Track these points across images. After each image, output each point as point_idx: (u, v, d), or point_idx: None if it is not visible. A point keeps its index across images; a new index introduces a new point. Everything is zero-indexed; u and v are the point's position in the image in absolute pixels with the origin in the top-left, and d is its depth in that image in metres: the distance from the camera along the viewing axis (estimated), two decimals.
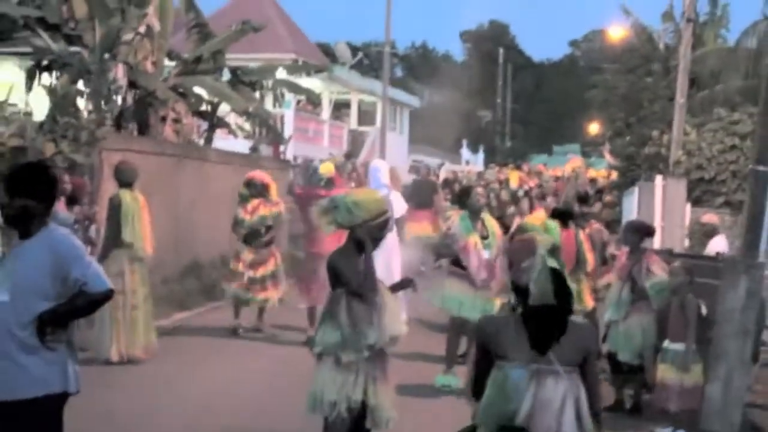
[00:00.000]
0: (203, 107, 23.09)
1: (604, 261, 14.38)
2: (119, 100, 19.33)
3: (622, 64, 32.62)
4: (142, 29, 19.47)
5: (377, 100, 43.85)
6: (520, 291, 5.32)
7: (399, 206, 15.78)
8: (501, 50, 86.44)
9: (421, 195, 20.94)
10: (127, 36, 19.38)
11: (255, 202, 14.95)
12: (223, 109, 23.77)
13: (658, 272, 11.46)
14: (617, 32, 36.30)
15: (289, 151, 34.79)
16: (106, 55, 19.17)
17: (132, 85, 19.63)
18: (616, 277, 12.17)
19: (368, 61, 73.26)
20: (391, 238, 16.18)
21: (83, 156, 15.69)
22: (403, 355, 11.21)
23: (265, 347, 14.52)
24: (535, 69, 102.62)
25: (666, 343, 10.84)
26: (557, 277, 5.31)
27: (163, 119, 20.40)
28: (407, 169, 39.22)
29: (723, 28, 31.75)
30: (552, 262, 5.65)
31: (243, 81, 23.44)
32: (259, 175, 15.43)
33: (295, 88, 25.71)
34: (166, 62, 21.91)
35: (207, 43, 22.31)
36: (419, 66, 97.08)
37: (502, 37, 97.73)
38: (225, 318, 15.64)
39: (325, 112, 45.01)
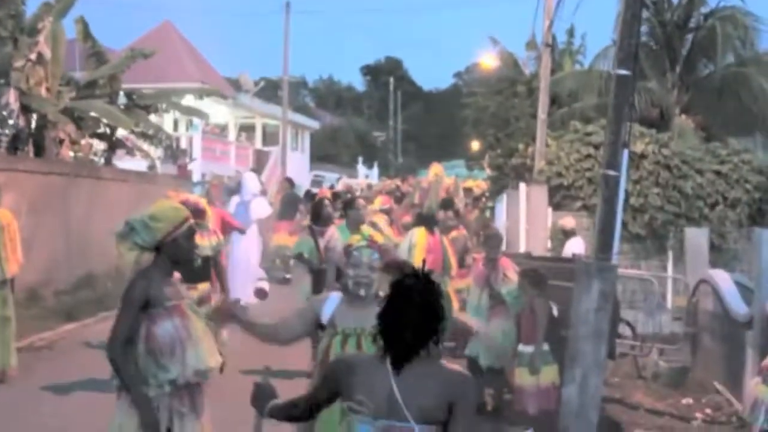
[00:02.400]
0: (101, 129, 21.09)
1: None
2: (12, 123, 17.27)
3: (490, 87, 31.87)
4: (33, 56, 17.47)
5: (280, 123, 42.45)
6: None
7: (262, 210, 16.50)
8: (391, 79, 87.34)
9: (284, 208, 20.58)
10: (19, 63, 17.37)
11: None
12: (123, 132, 21.85)
13: (514, 278, 9.89)
14: (488, 60, 35.51)
15: (198, 170, 33.39)
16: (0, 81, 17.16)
17: (25, 109, 17.64)
18: (474, 283, 10.52)
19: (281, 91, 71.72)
20: (251, 233, 15.41)
21: None
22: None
23: None
24: (425, 96, 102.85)
25: (520, 347, 9.54)
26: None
27: (61, 141, 18.45)
28: (309, 183, 38.74)
29: (580, 55, 31.29)
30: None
31: (138, 105, 21.52)
32: (194, 198, 11.38)
33: (190, 111, 23.95)
34: (63, 87, 19.82)
35: (99, 68, 20.40)
36: (326, 96, 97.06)
37: (396, 70, 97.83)
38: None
39: (231, 134, 44.09)
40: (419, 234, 11.39)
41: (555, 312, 9.42)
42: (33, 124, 18.47)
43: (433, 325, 3.52)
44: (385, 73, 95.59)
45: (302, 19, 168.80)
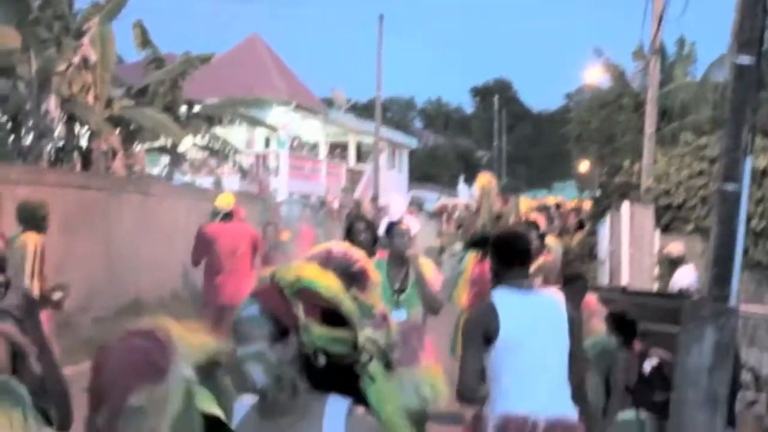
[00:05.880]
0: (163, 142, 19.27)
1: None
2: (55, 134, 15.55)
3: (594, 100, 29.88)
4: (77, 60, 15.67)
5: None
6: None
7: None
8: (496, 98, 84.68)
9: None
10: (62, 67, 15.60)
11: None
12: (185, 145, 20.06)
13: (600, 326, 7.38)
14: (593, 75, 33.41)
15: (286, 188, 31.72)
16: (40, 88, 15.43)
17: (70, 118, 15.86)
18: None
19: (391, 114, 72.08)
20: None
21: None
22: None
23: None
24: (534, 118, 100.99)
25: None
26: None
27: (113, 153, 16.63)
28: (400, 204, 36.76)
29: (690, 65, 29.09)
30: None
31: (198, 115, 19.68)
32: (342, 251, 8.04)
33: (256, 122, 22.09)
34: (116, 94, 18.05)
35: (152, 74, 18.62)
36: (434, 117, 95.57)
37: (506, 91, 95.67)
38: None
39: (322, 151, 42.35)
40: (469, 259, 8.99)
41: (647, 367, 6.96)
42: (83, 134, 16.74)
43: None
44: (494, 95, 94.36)
45: (409, 39, 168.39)
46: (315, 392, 2.33)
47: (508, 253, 5.00)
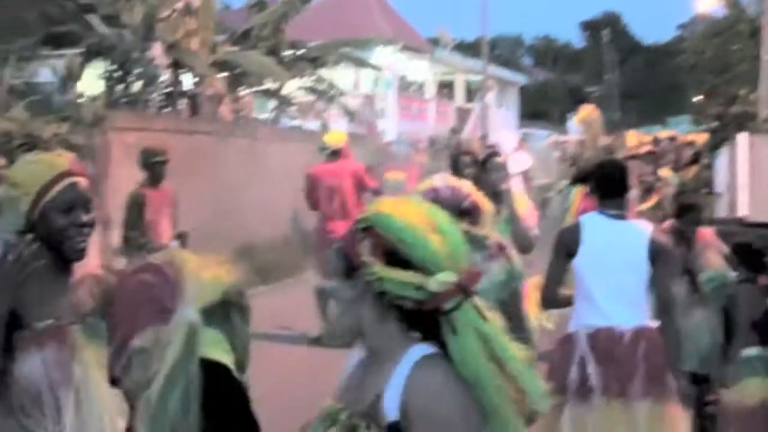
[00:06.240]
0: (267, 85, 19.23)
1: None
2: (161, 80, 15.64)
3: (708, 29, 29.00)
4: (179, 5, 15.68)
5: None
6: None
7: (522, 163, 17.70)
8: (606, 31, 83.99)
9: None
10: (165, 14, 15.63)
11: None
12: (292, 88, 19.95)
13: (716, 260, 6.99)
14: (706, 2, 32.30)
15: (394, 128, 31.43)
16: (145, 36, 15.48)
17: (176, 64, 15.90)
18: None
19: (499, 51, 70.74)
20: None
21: (84, 138, 11.89)
22: None
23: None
24: (645, 51, 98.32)
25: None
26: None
27: (219, 98, 16.66)
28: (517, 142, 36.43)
29: None
30: None
31: (303, 57, 19.56)
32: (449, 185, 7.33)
33: (361, 63, 21.85)
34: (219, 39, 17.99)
35: (255, 17, 18.55)
36: (543, 53, 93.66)
37: (616, 24, 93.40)
38: (260, 304, 11.70)
39: (430, 91, 41.51)
40: (575, 194, 8.68)
41: None
42: (189, 80, 16.79)
43: None
44: (603, 29, 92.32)
45: None
46: (407, 337, 2.16)
47: (602, 183, 5.40)
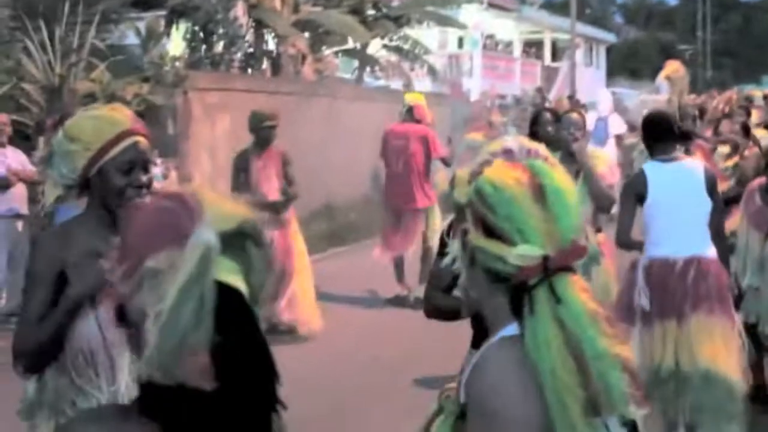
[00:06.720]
0: (350, 45, 19.04)
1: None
2: (245, 40, 15.57)
3: None
4: None
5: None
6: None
7: (618, 126, 17.45)
8: None
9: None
10: None
11: None
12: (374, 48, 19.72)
13: None
14: None
15: (479, 88, 31.03)
16: None
17: (258, 24, 15.82)
18: (748, 224, 7.20)
19: (590, 10, 70.42)
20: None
21: (164, 98, 11.91)
22: None
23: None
24: (743, 8, 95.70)
25: None
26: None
27: (303, 58, 16.53)
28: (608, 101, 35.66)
29: None
30: None
31: (386, 16, 19.29)
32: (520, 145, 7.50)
33: (447, 22, 21.47)
34: None
35: None
36: (636, 11, 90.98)
37: None
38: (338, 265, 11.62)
39: (516, 49, 40.92)
40: None
41: None
42: (272, 40, 16.69)
43: None
44: None
45: None
46: (509, 315, 1.93)
47: (654, 131, 5.95)
